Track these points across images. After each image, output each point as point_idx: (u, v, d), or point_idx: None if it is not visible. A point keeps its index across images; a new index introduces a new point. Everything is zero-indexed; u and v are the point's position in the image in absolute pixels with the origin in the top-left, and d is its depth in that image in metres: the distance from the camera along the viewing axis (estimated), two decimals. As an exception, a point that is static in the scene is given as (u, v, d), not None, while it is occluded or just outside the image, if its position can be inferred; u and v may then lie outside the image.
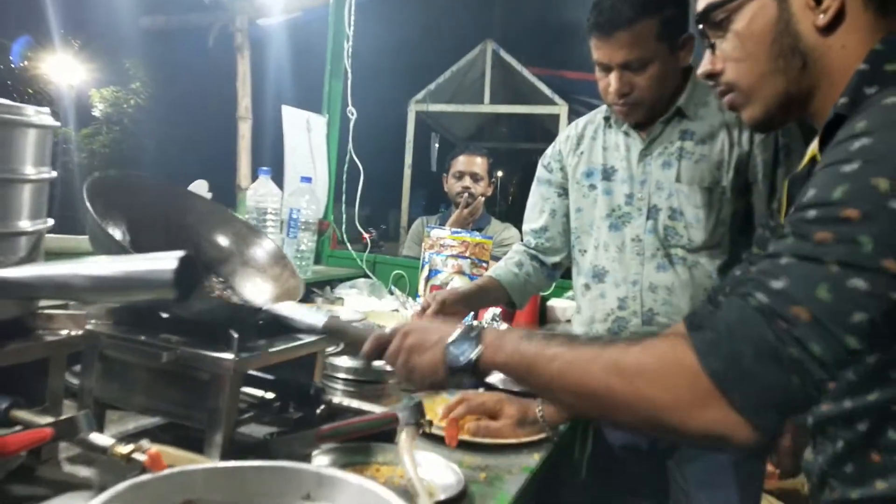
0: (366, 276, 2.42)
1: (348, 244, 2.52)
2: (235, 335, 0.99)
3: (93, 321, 1.05)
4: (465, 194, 2.84)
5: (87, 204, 1.02)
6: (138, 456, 0.79)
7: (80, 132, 11.96)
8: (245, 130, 2.83)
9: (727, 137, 1.52)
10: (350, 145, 2.50)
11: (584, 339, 0.89)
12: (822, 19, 0.81)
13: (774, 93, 0.86)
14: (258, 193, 2.01)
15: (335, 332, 1.12)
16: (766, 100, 0.88)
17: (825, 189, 0.72)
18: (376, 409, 1.12)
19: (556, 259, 1.76)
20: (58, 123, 1.02)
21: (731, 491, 1.51)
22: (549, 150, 1.79)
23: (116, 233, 1.12)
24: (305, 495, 0.78)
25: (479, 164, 2.91)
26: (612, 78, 1.48)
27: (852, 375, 0.79)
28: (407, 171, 4.44)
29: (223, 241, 1.28)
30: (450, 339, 0.92)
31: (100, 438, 0.82)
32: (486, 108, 4.25)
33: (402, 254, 3.02)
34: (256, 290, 1.25)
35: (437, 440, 1.16)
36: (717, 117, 1.54)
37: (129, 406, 1.09)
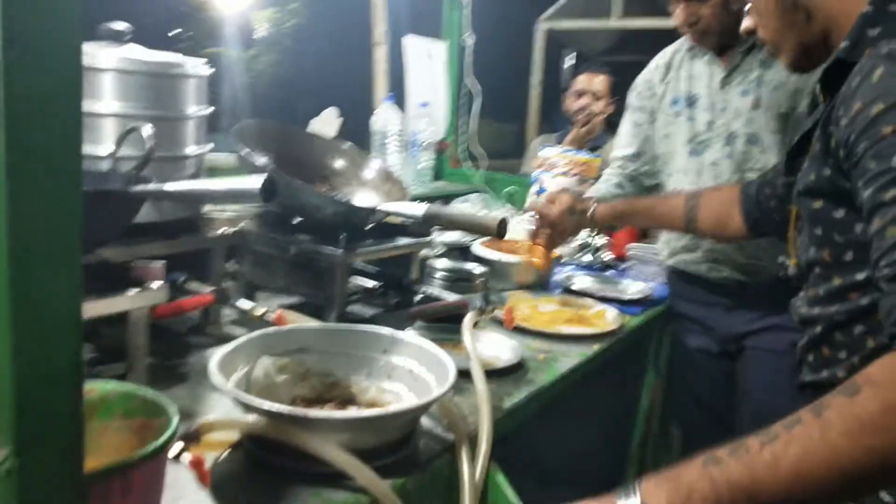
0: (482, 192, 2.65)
1: (466, 162, 2.75)
2: (343, 235, 1.28)
3: (244, 222, 1.39)
4: (583, 113, 2.93)
5: (236, 141, 1.33)
6: (269, 316, 1.11)
7: (245, 53, 12.87)
8: (380, 56, 3.09)
9: None
10: (468, 69, 2.69)
11: (784, 424, 0.66)
12: None
13: (792, 44, 0.96)
14: (381, 118, 2.29)
15: (432, 218, 1.34)
16: (788, 50, 0.98)
17: (888, 156, 0.73)
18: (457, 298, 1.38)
19: (654, 182, 1.87)
20: (208, 71, 1.32)
21: (789, 393, 1.63)
22: (639, 78, 1.88)
23: (260, 159, 1.44)
24: (383, 350, 1.06)
25: (599, 82, 2.95)
26: (679, 8, 1.56)
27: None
28: (533, 91, 4.53)
29: (339, 164, 1.58)
30: None
31: (244, 304, 1.16)
32: (615, 22, 4.19)
33: (521, 171, 3.19)
34: (369, 200, 1.54)
35: (518, 330, 1.42)
36: None
37: (272, 287, 1.43)
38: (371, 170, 1.60)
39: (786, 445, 0.63)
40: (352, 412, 0.96)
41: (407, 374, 1.03)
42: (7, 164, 0.39)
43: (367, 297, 1.43)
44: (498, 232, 1.25)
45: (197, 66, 1.29)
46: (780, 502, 0.64)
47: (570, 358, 1.38)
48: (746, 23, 1.02)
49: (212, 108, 1.35)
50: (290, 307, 1.41)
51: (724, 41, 1.63)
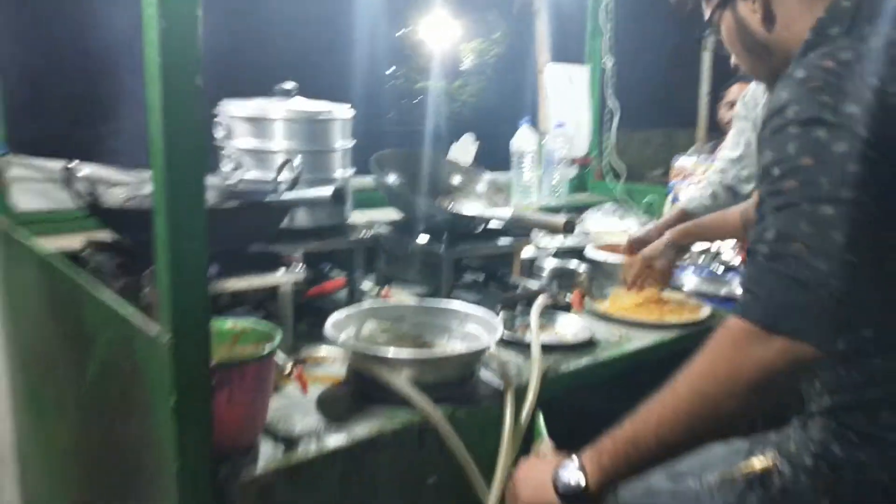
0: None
1: (608, 175, 2.95)
2: (445, 236, 1.62)
3: (379, 228, 1.78)
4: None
5: (374, 167, 1.74)
6: (381, 293, 1.48)
7: (451, 85, 13.85)
8: (543, 82, 3.42)
9: None
10: (608, 89, 2.90)
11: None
12: (759, 17, 1.05)
13: (765, 75, 1.13)
14: (519, 138, 2.60)
15: (517, 220, 1.64)
16: (763, 78, 1.15)
17: (778, 152, 0.89)
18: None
19: (750, 187, 1.98)
20: (351, 114, 1.74)
21: None
22: (748, 89, 2.00)
23: (393, 178, 1.83)
24: (459, 321, 1.38)
25: (751, 92, 3.00)
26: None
27: None
28: (701, 101, 4.50)
29: (457, 181, 1.93)
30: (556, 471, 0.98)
31: (366, 286, 1.54)
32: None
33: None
34: (476, 209, 1.87)
35: (604, 317, 1.67)
36: None
37: (401, 279, 1.81)
38: (483, 183, 1.92)
39: (657, 402, 0.90)
40: (414, 351, 1.28)
41: (474, 338, 1.33)
42: (165, 181, 0.79)
43: (472, 288, 1.74)
44: (565, 228, 1.50)
45: (342, 111, 1.71)
46: (654, 447, 0.89)
47: (643, 342, 1.58)
48: (733, 60, 1.18)
49: (353, 142, 1.76)
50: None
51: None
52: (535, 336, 1.37)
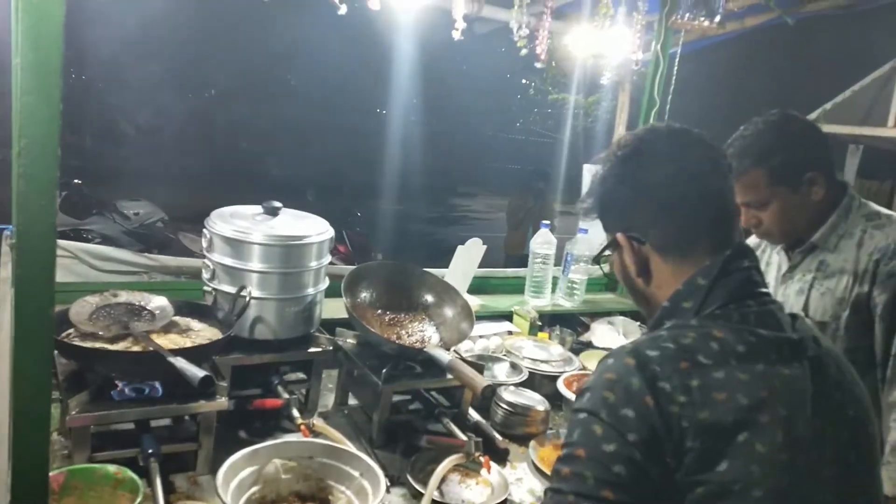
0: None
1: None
2: (384, 370, 1.71)
3: (343, 342, 1.90)
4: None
5: (345, 284, 1.86)
6: (305, 425, 1.60)
7: (587, 100, 13.62)
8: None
9: (852, 275, 1.51)
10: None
11: None
12: (635, 272, 1.06)
13: (644, 311, 1.14)
14: (537, 242, 2.62)
15: (451, 369, 1.70)
16: (645, 314, 1.15)
17: (569, 432, 0.94)
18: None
19: None
20: (331, 234, 1.86)
21: None
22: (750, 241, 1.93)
23: (365, 295, 1.95)
24: (360, 473, 1.47)
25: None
26: (743, 211, 1.63)
27: None
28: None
29: (430, 298, 2.01)
30: None
31: (295, 413, 1.66)
32: (891, 130, 3.70)
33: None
34: (432, 335, 1.94)
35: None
36: (852, 252, 1.53)
37: (354, 394, 1.92)
38: (456, 307, 1.99)
39: None
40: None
41: (366, 493, 1.42)
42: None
43: (416, 417, 1.82)
44: (482, 393, 1.55)
45: (321, 234, 1.84)
46: None
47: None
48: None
49: (329, 259, 1.89)
50: (353, 409, 1.88)
51: (789, 240, 1.65)
52: (426, 502, 1.44)
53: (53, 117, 0.89)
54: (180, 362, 1.32)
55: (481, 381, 1.59)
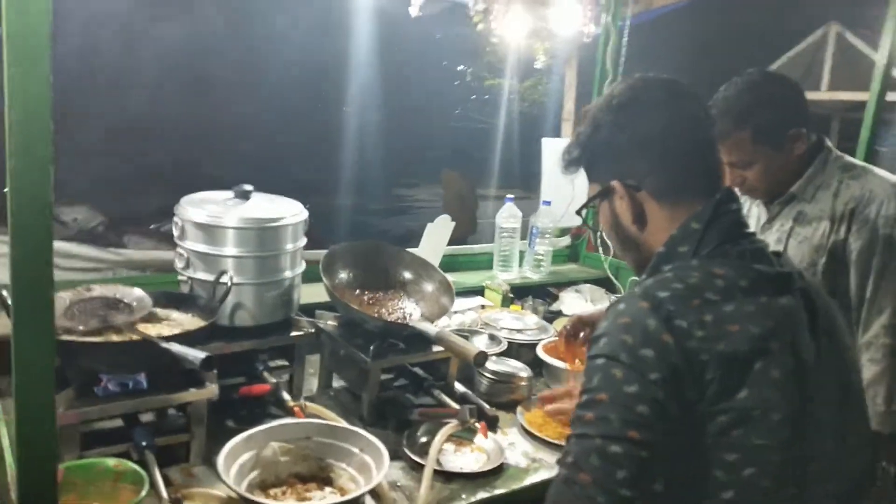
0: (607, 278, 2.84)
1: (600, 248, 2.95)
2: (372, 346, 1.70)
3: (324, 324, 1.88)
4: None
5: (323, 269, 1.83)
6: (298, 406, 1.58)
7: (522, 84, 13.68)
8: (567, 130, 3.45)
9: (829, 222, 1.59)
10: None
11: None
12: (630, 219, 1.09)
13: (633, 260, 1.16)
14: (503, 216, 2.65)
15: (440, 341, 1.70)
16: (632, 266, 1.18)
17: (588, 379, 0.97)
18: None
19: None
20: (305, 216, 1.83)
21: None
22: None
23: (343, 275, 1.93)
24: (360, 448, 1.46)
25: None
26: (728, 171, 1.68)
27: None
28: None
29: (408, 276, 2.00)
30: None
31: (285, 396, 1.64)
32: (824, 94, 3.90)
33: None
34: (413, 311, 1.94)
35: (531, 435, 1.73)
36: (829, 201, 1.61)
37: (339, 375, 1.91)
38: (434, 282, 1.99)
39: None
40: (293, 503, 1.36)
41: (368, 470, 1.41)
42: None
43: (403, 392, 1.82)
44: (475, 361, 1.56)
45: (296, 216, 1.81)
46: None
47: (553, 471, 1.62)
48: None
49: (305, 241, 1.86)
50: (339, 391, 1.87)
51: (773, 195, 1.73)
52: (428, 472, 1.44)
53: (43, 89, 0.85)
54: (176, 347, 1.28)
55: (473, 348, 1.60)
